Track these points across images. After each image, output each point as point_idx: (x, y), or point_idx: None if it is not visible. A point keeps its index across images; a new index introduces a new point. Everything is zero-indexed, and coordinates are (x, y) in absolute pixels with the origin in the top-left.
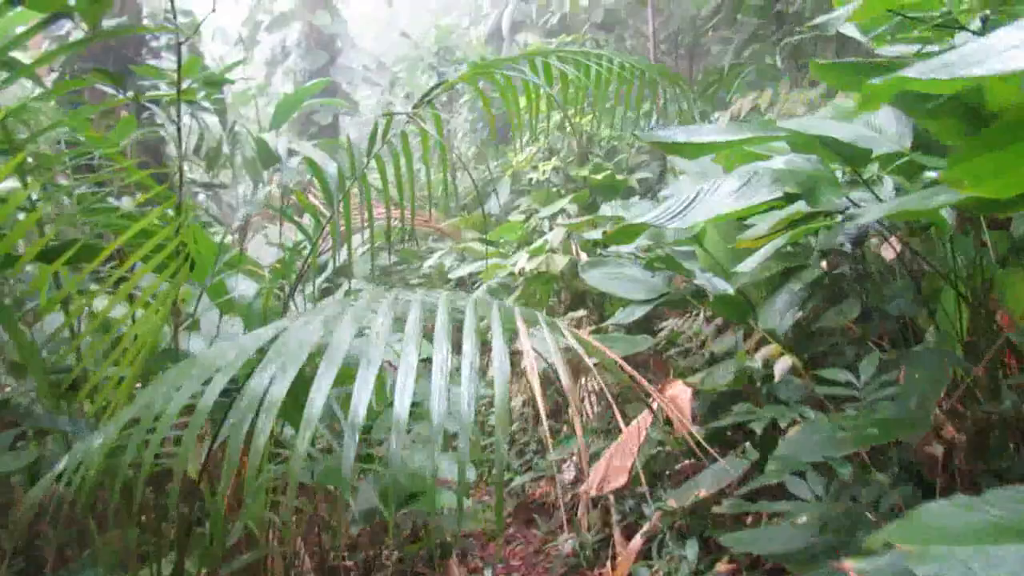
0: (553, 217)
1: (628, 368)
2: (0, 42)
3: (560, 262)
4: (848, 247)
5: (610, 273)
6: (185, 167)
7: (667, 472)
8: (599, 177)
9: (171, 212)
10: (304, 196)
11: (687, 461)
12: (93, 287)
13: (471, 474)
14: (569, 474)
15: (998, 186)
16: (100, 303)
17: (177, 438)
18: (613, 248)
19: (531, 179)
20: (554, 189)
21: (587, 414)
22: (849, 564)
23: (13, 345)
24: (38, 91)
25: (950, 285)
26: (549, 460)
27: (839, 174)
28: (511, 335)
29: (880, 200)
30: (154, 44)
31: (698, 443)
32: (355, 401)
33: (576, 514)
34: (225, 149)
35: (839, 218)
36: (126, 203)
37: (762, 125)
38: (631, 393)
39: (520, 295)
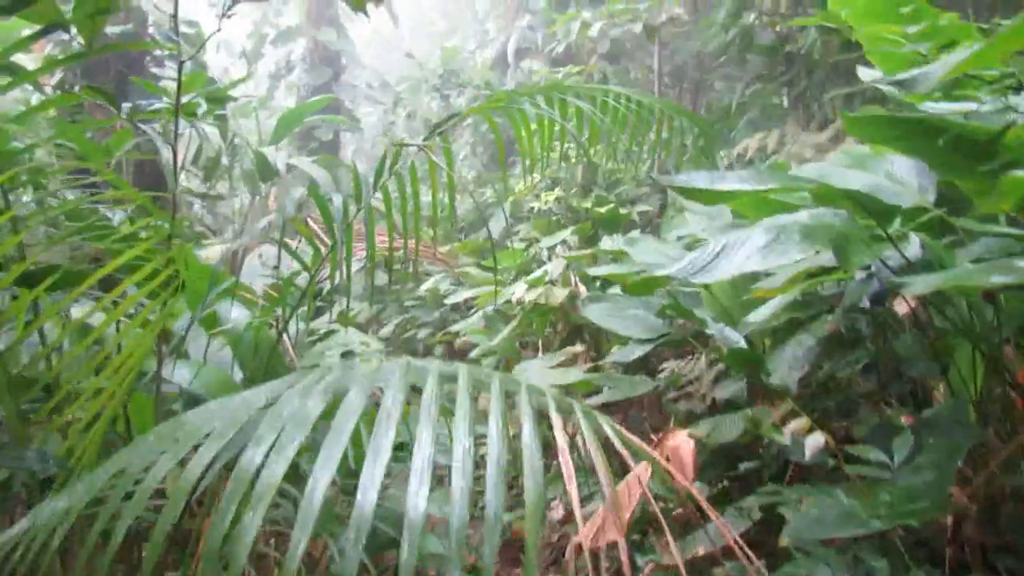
0: (553, 247)
1: (640, 443)
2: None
3: (559, 295)
4: (867, 304)
5: (610, 309)
6: (182, 177)
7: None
8: (602, 210)
9: (163, 235)
10: (304, 225)
11: (683, 509)
12: (74, 312)
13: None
14: (558, 513)
15: None
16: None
17: (154, 509)
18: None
19: (532, 208)
20: (555, 218)
21: (579, 448)
22: None
23: None
24: (37, 96)
25: (970, 342)
26: None
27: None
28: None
29: (907, 259)
30: (158, 52)
31: (698, 502)
32: (360, 501)
33: (564, 555)
34: (224, 160)
35: (861, 274)
36: (119, 217)
37: (778, 171)
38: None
39: (517, 325)
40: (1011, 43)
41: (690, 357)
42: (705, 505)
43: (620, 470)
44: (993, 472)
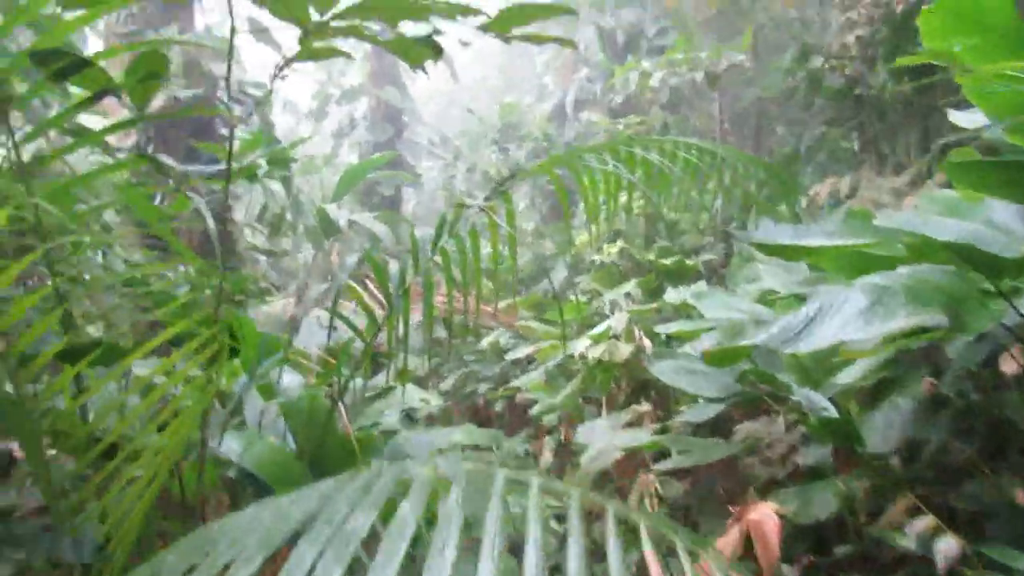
0: (616, 301)
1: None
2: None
3: (624, 351)
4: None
5: (678, 366)
6: (248, 232)
7: None
8: (667, 262)
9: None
10: (360, 290)
11: None
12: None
13: None
14: None
15: None
16: (131, 397)
17: None
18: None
19: (594, 260)
20: (617, 270)
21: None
22: None
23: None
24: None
25: None
26: None
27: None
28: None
29: (1022, 316)
30: (223, 110)
31: None
32: None
33: None
34: (288, 217)
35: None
36: (180, 279)
37: (863, 221)
38: (705, 504)
39: (580, 382)
40: None
41: (766, 417)
42: None
43: None
44: None
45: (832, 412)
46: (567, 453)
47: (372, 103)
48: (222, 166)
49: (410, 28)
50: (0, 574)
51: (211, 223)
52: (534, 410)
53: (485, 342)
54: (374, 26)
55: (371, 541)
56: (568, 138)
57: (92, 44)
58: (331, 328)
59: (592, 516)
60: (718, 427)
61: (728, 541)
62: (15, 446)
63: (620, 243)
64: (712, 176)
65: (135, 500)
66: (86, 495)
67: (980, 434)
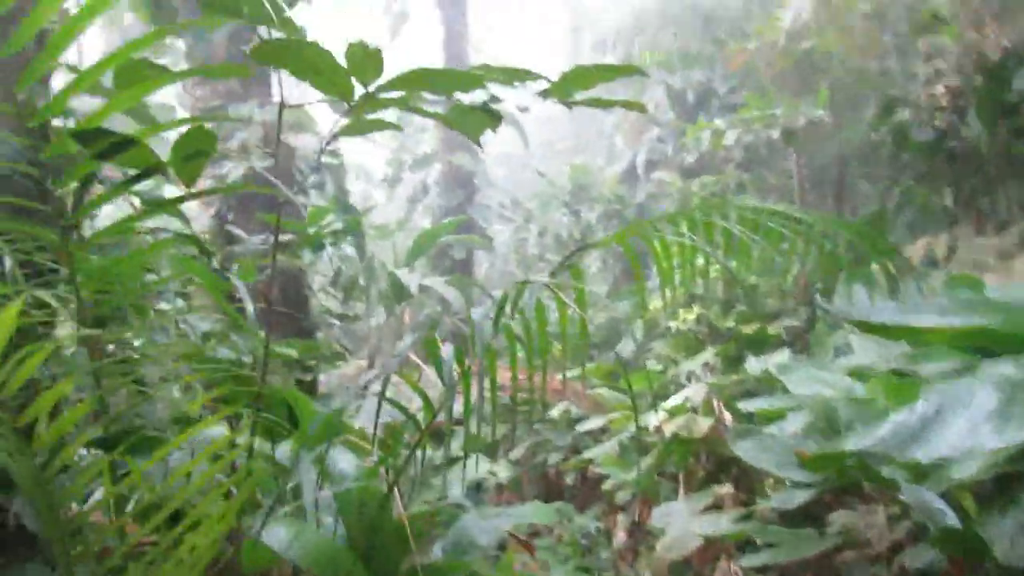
0: (693, 371)
1: None
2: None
3: (703, 425)
4: None
5: (763, 445)
6: (322, 297)
7: None
8: (748, 330)
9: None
10: (415, 382)
11: None
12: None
13: None
14: None
15: None
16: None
17: None
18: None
19: (669, 327)
20: (694, 335)
21: None
22: None
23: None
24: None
25: None
26: None
27: None
28: None
29: None
30: (300, 179)
31: None
32: None
33: None
34: (361, 281)
35: None
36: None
37: (963, 286)
38: None
39: (656, 457)
40: None
41: (864, 506)
42: None
43: None
44: None
45: (952, 519)
46: (641, 532)
47: (444, 168)
48: (290, 235)
49: (466, 96)
50: None
51: (250, 305)
52: (606, 485)
53: (555, 411)
54: (429, 96)
55: None
56: (640, 199)
57: (180, 115)
58: (378, 405)
59: None
60: (809, 514)
61: None
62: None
63: (697, 308)
64: (794, 241)
65: None
66: None
67: None
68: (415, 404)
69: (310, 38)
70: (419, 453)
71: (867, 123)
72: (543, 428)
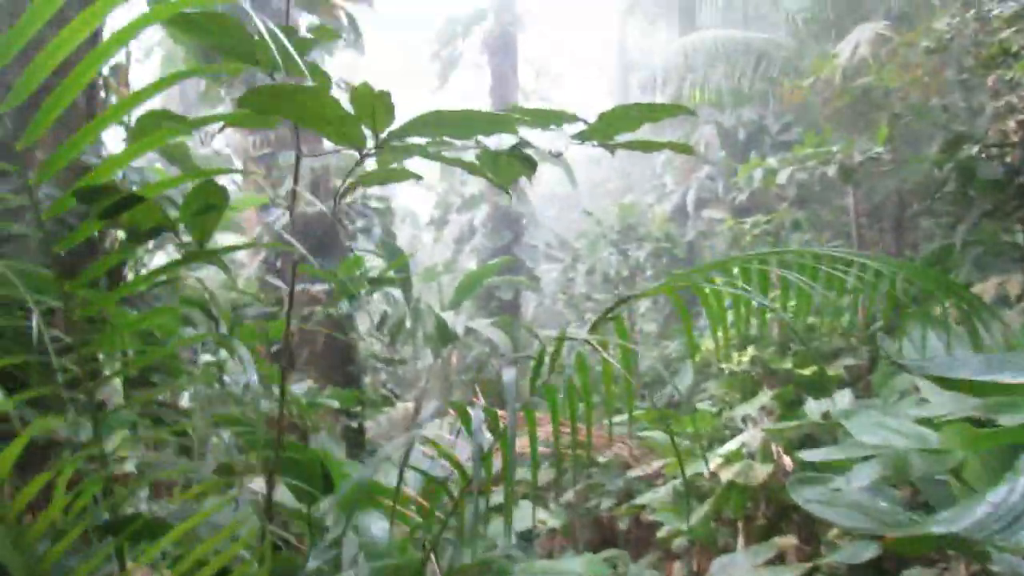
0: (749, 415)
1: None
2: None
3: (761, 472)
4: None
5: (827, 494)
6: (369, 340)
7: None
8: (807, 373)
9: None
10: (450, 453)
11: None
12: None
13: None
14: None
15: None
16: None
17: None
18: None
19: (723, 368)
20: (749, 376)
21: None
22: None
23: None
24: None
25: None
26: None
27: None
28: None
29: None
30: (347, 224)
31: None
32: None
33: None
34: (407, 324)
35: None
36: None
37: None
38: None
39: (713, 505)
40: None
41: (941, 563)
42: None
43: None
44: None
45: None
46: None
47: (491, 209)
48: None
49: (493, 141)
50: None
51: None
52: (661, 532)
53: (602, 458)
54: (455, 142)
55: None
56: (689, 237)
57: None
58: (399, 473)
59: None
60: (881, 569)
61: None
62: None
63: (751, 350)
64: (853, 286)
65: None
66: None
67: None
68: (462, 454)
69: (355, 82)
70: (463, 509)
71: (930, 159)
72: (594, 471)
